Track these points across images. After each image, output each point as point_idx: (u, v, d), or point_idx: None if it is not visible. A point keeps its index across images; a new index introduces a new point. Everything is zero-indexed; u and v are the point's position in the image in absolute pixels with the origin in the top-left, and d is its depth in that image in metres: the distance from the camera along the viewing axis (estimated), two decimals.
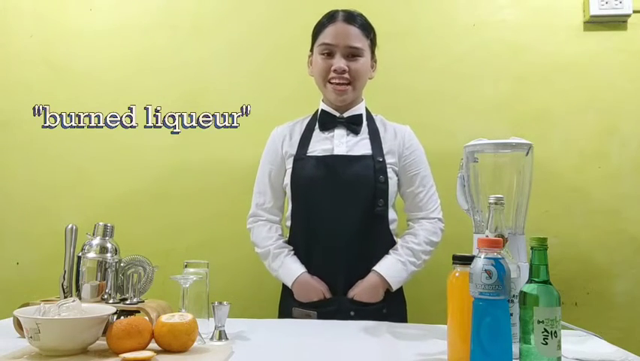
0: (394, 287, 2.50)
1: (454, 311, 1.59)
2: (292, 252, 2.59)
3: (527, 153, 1.89)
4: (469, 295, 1.44)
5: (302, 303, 2.49)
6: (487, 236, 1.59)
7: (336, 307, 2.45)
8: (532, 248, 1.53)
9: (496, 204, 1.64)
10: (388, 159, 2.57)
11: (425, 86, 3.29)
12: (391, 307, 2.54)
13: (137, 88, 3.42)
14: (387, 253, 2.56)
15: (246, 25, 3.42)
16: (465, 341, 1.47)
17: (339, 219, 2.48)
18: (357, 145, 2.58)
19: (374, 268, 2.50)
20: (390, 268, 2.50)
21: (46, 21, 3.47)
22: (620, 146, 3.18)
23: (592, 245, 3.15)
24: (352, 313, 2.42)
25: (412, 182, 2.63)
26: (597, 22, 3.24)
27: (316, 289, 2.47)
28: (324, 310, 2.43)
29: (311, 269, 2.52)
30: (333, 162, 2.52)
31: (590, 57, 3.24)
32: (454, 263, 1.60)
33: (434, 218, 2.64)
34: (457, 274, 1.58)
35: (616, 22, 3.24)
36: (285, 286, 2.62)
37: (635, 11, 3.19)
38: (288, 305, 2.55)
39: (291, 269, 2.53)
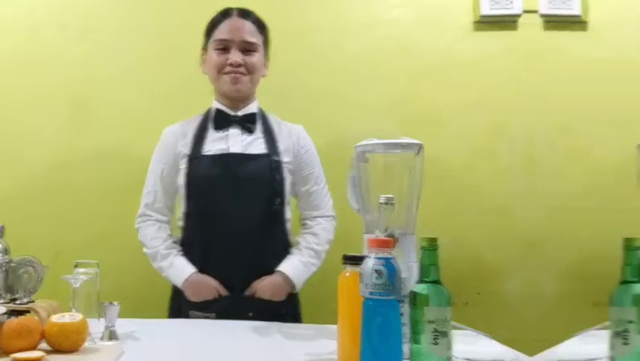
0: (297, 288, 2.53)
1: (344, 311, 1.60)
2: (181, 252, 2.58)
3: (417, 153, 1.89)
4: (359, 295, 1.45)
5: (198, 306, 2.46)
6: (377, 236, 1.60)
7: (233, 306, 2.43)
8: (422, 248, 1.56)
9: (386, 204, 1.65)
10: (284, 158, 2.59)
11: (318, 85, 3.31)
12: (289, 308, 2.57)
13: (25, 84, 3.38)
14: (282, 251, 2.59)
15: (137, 24, 3.42)
16: (355, 341, 1.47)
17: (236, 218, 2.48)
18: (253, 144, 2.60)
19: (278, 268, 2.52)
20: (295, 269, 2.53)
21: None
22: (510, 144, 3.23)
23: (482, 245, 3.20)
24: (250, 314, 2.39)
25: (307, 181, 2.68)
26: (487, 22, 3.29)
27: (209, 287, 2.47)
28: (222, 312, 2.40)
29: (207, 269, 2.51)
30: (228, 161, 2.54)
31: (480, 56, 3.29)
32: (344, 263, 1.61)
33: (329, 216, 2.70)
34: (347, 274, 1.59)
35: (506, 22, 3.29)
36: (175, 287, 2.60)
37: (525, 11, 3.24)
38: (181, 307, 2.54)
39: (180, 269, 2.52)
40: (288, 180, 2.60)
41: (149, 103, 3.32)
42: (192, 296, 2.48)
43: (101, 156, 3.31)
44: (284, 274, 2.51)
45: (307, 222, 2.70)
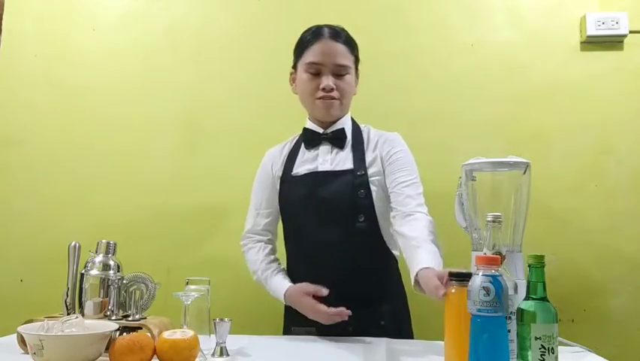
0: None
1: (450, 327, 1.62)
2: (278, 268, 2.57)
3: (525, 172, 1.90)
4: (465, 311, 1.46)
5: (300, 320, 2.41)
6: (485, 254, 1.61)
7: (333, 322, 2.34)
8: (529, 265, 1.56)
9: (494, 222, 1.66)
10: (371, 170, 2.50)
11: (423, 105, 3.30)
12: (390, 320, 2.49)
13: (140, 107, 3.45)
14: (380, 265, 2.52)
15: (247, 47, 3.46)
16: (462, 357, 1.48)
17: (322, 236, 2.44)
18: (341, 160, 2.54)
19: (423, 267, 2.08)
20: (434, 262, 2.17)
21: (49, 41, 3.51)
22: (617, 164, 3.20)
23: (589, 262, 3.15)
24: (350, 328, 2.35)
25: (398, 174, 2.48)
26: (594, 43, 3.27)
27: (306, 303, 2.37)
28: (322, 325, 2.34)
29: None
30: (314, 180, 2.50)
31: (586, 77, 3.26)
32: (450, 280, 1.63)
33: (424, 212, 2.43)
34: (453, 291, 1.61)
35: (612, 43, 3.26)
36: (285, 305, 2.57)
37: (631, 31, 3.22)
38: (289, 323, 2.55)
39: (277, 286, 2.49)
40: (377, 194, 2.50)
41: (259, 124, 3.37)
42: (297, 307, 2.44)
43: (212, 177, 3.37)
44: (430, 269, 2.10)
45: (406, 215, 2.41)
